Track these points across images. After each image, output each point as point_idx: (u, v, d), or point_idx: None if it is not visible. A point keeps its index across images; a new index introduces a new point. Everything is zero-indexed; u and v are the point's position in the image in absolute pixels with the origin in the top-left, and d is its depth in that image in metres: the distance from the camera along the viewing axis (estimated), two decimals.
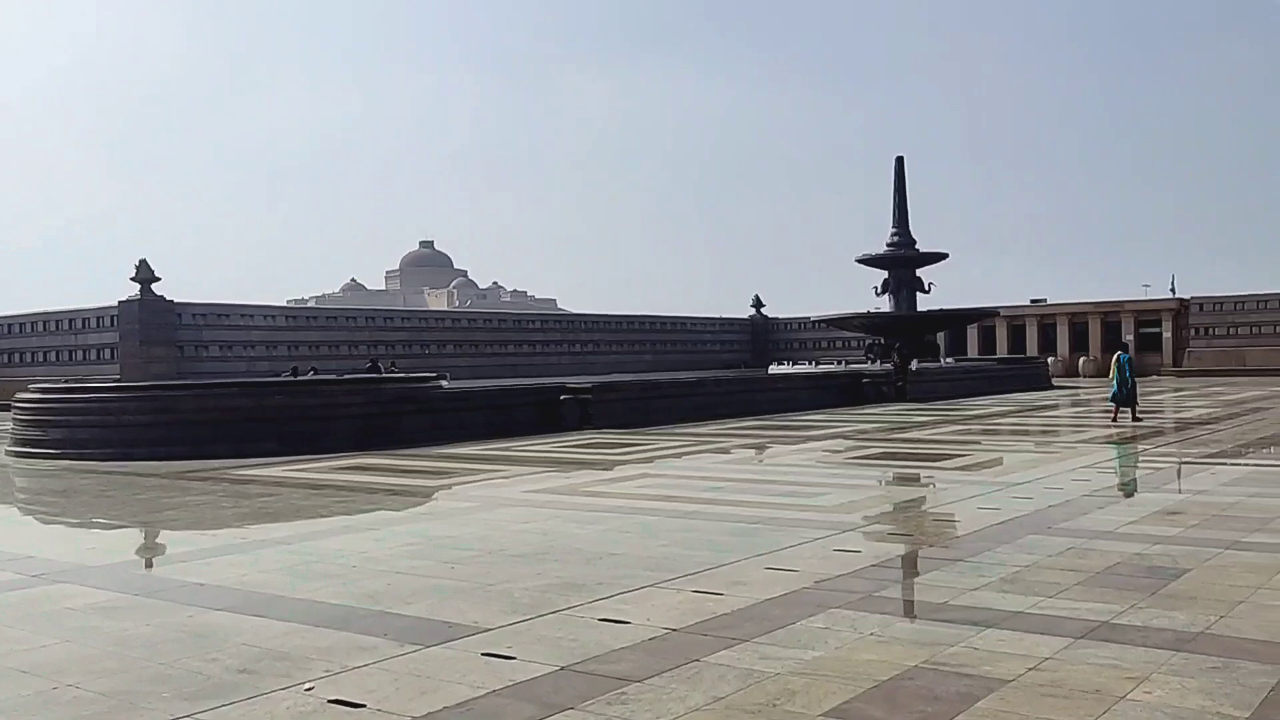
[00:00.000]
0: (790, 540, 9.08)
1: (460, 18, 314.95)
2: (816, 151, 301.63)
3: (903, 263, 46.38)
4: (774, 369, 43.43)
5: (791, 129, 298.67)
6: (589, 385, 24.32)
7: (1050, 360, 51.75)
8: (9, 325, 45.18)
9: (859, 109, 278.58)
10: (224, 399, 19.87)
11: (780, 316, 66.61)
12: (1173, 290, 60.75)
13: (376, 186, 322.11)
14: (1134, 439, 18.82)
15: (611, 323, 58.43)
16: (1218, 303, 56.15)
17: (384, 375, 29.66)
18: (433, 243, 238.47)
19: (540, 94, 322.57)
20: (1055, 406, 30.13)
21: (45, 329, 43.94)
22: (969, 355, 55.50)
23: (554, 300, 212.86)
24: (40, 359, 43.83)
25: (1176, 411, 24.93)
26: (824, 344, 61.58)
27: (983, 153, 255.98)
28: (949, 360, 43.62)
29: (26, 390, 21.27)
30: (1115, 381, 22.63)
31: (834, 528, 9.88)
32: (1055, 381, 46.23)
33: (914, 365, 37.44)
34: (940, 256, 46.86)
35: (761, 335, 65.59)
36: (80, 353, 42.37)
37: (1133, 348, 56.14)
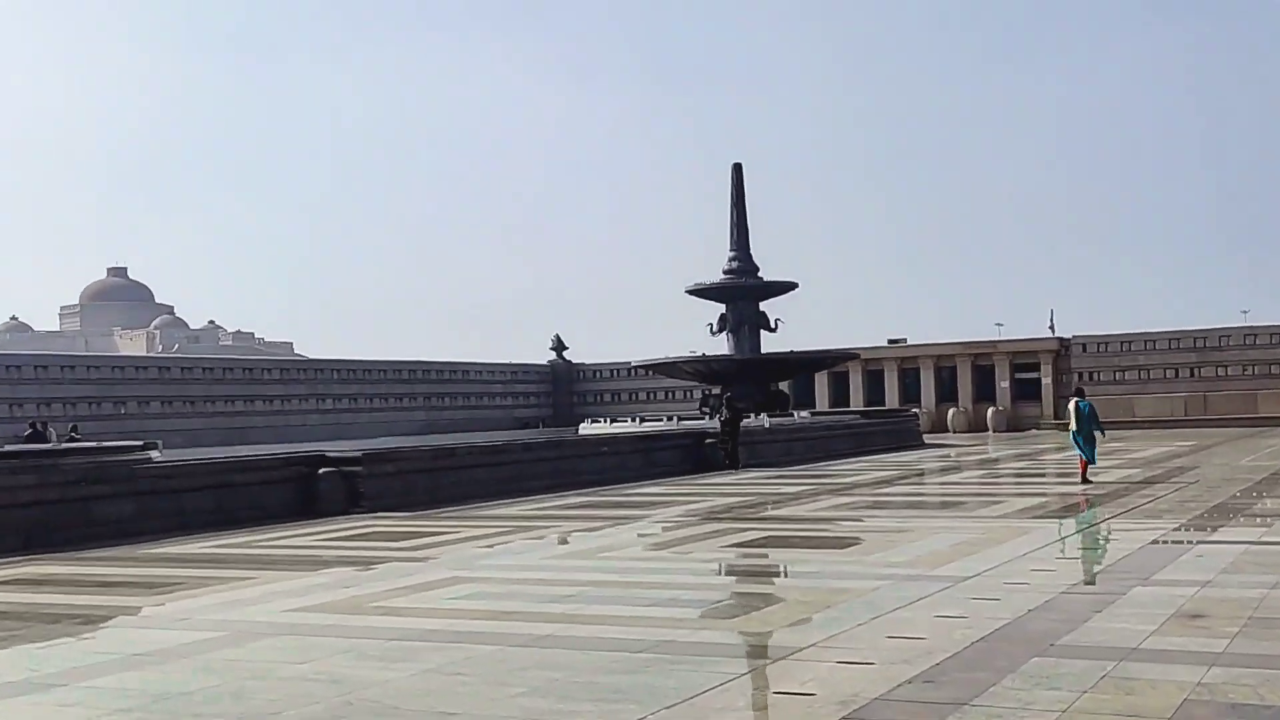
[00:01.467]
0: (706, 679, 7.77)
1: None
2: (635, 160, 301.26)
3: (743, 294, 46.52)
4: (587, 428, 42.48)
5: (604, 131, 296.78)
6: (357, 454, 22.98)
7: (914, 412, 52.85)
8: None
9: (688, 110, 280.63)
10: None
11: (589, 362, 66.78)
12: (1051, 328, 63.23)
13: (47, 197, 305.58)
14: (1070, 510, 18.89)
15: (373, 371, 57.23)
16: (1102, 343, 58.88)
17: (62, 446, 26.78)
18: (126, 270, 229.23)
19: (268, 84, 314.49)
20: (945, 470, 30.52)
21: None
22: (818, 407, 56.26)
23: (290, 344, 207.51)
24: None
25: (1092, 474, 25.25)
26: (646, 395, 61.59)
27: (828, 164, 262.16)
28: (803, 414, 43.80)
29: None
30: (1075, 433, 23.47)
31: (755, 654, 8.79)
32: (925, 438, 47.08)
33: (764, 422, 37.24)
34: (788, 286, 47.26)
35: (565, 385, 65.41)
36: None
37: (1010, 396, 58.49)
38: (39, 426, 37.36)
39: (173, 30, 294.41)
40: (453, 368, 61.28)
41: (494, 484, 24.38)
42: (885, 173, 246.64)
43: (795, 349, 48.73)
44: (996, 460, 35.06)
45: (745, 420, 35.25)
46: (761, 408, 42.21)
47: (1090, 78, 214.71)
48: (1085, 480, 22.97)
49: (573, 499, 23.06)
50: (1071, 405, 24.05)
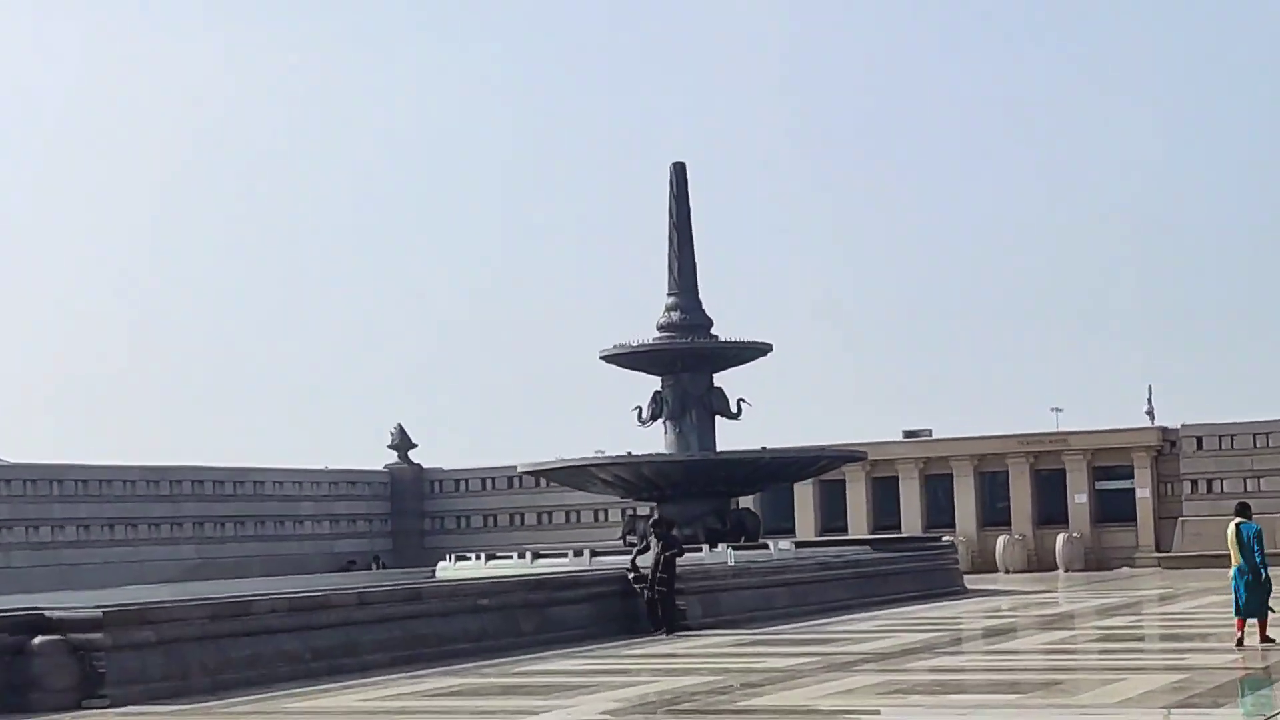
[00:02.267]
0: None
1: None
2: (522, 156, 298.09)
3: (690, 361, 46.50)
4: (450, 568, 42.33)
5: (475, 117, 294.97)
6: (95, 612, 22.63)
7: (948, 541, 53.02)
8: None
9: (601, 89, 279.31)
10: None
11: (450, 466, 67.01)
12: (1150, 414, 63.77)
13: None
14: (1222, 695, 18.89)
15: (114, 483, 57.33)
16: (1225, 434, 59.34)
17: None
18: None
19: None
20: (1003, 632, 30.57)
21: None
22: (801, 534, 56.65)
23: None
24: None
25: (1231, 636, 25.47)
26: (538, 518, 62.45)
27: (816, 176, 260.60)
28: (784, 545, 43.74)
29: None
30: (1238, 570, 23.58)
31: None
32: (965, 580, 47.24)
33: (727, 557, 37.13)
34: (758, 350, 47.46)
35: (411, 502, 66.05)
36: None
37: (1090, 516, 58.75)
38: None
39: None
40: (239, 476, 61.02)
41: (311, 658, 24.34)
42: (896, 190, 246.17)
43: (768, 445, 48.66)
44: (1075, 615, 35.29)
45: (697, 555, 34.95)
46: (720, 535, 42.11)
47: (1187, 43, 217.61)
48: (1263, 640, 23.10)
49: (435, 680, 23.06)
50: (1230, 528, 23.99)
